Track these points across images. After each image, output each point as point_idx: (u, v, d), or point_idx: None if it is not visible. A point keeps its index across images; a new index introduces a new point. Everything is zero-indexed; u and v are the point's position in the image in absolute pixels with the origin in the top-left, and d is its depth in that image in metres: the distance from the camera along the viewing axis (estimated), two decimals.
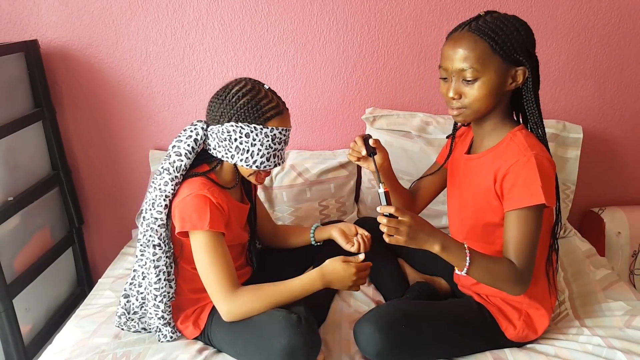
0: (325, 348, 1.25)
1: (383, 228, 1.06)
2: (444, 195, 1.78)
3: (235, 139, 1.19)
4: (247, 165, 1.22)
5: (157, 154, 1.88)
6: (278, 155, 1.25)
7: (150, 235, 1.20)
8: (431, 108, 1.92)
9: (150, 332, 1.32)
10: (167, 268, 1.23)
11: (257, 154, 1.21)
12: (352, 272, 1.18)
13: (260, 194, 1.78)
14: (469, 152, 1.31)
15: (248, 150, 1.20)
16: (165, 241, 1.21)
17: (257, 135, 1.19)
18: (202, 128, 1.23)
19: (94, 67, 1.83)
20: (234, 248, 1.32)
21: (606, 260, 1.67)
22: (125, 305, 1.29)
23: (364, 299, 1.47)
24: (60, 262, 1.88)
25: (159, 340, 1.28)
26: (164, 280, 1.22)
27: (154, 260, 1.20)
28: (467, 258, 1.09)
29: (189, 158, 1.21)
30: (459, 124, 1.32)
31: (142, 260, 1.23)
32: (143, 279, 1.25)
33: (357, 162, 1.29)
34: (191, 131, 1.23)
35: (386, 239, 1.07)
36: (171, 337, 1.27)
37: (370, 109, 1.88)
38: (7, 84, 1.64)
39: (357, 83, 1.89)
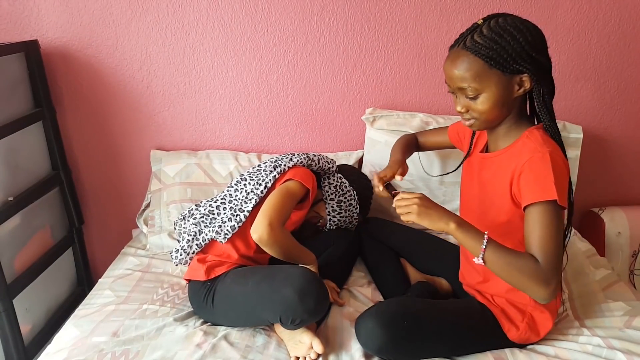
0: (326, 346, 1.25)
1: (398, 210, 1.15)
2: (444, 195, 1.79)
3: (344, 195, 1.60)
4: (329, 211, 1.60)
5: (158, 153, 1.88)
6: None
7: (268, 180, 1.46)
8: (431, 108, 1.92)
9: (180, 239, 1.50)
10: (252, 205, 1.44)
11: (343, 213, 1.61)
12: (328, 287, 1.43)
13: None
14: (485, 150, 1.31)
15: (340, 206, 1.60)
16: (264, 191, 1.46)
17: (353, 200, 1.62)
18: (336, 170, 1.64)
19: (94, 67, 1.84)
20: None
21: (606, 261, 1.66)
22: (192, 209, 1.52)
23: (364, 300, 1.48)
24: (60, 262, 1.88)
25: (169, 254, 1.50)
26: (251, 209, 1.44)
27: (257, 194, 1.44)
28: (484, 241, 1.06)
29: (315, 168, 1.56)
30: None
31: (236, 188, 1.49)
32: (228, 199, 1.48)
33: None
34: (333, 162, 1.63)
35: (402, 218, 1.14)
36: (181, 259, 1.44)
37: (370, 109, 1.88)
38: (7, 84, 1.64)
39: (357, 83, 1.89)
